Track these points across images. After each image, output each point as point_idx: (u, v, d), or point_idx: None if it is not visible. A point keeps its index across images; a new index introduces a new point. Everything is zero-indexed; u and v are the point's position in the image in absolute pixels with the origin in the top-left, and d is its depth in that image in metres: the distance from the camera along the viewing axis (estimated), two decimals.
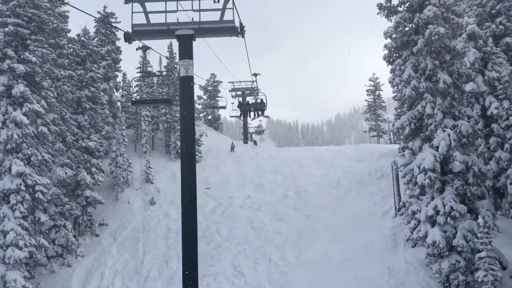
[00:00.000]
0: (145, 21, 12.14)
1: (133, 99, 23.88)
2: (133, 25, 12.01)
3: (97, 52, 37.30)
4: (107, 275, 26.89)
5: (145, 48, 12.56)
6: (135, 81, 49.43)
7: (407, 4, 19.18)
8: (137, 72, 43.41)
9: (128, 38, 12.12)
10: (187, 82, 12.20)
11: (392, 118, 58.11)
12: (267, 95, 40.93)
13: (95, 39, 41.71)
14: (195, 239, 11.57)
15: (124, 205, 35.00)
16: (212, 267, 24.80)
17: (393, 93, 42.34)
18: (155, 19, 12.17)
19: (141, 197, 36.00)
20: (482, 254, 14.65)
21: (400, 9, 19.50)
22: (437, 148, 17.36)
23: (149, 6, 12.19)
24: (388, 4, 19.39)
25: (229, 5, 12.06)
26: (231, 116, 53.51)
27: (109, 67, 40.87)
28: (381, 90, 61.03)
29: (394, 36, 18.99)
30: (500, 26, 22.99)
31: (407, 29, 19.13)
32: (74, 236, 29.61)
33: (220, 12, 12.18)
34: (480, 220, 14.08)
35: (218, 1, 12.14)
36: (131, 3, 12.06)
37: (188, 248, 11.55)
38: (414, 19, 18.43)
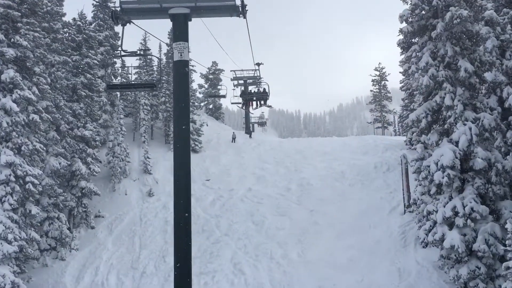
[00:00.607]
0: None
1: (110, 83, 19.20)
2: (121, 2, 10.70)
3: (94, 37, 35.86)
4: (101, 270, 25.83)
5: (125, 22, 11.16)
6: (133, 67, 48.10)
7: None
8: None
9: (116, 17, 10.80)
10: (182, 67, 10.90)
11: (398, 109, 56.71)
12: (270, 85, 39.46)
13: (93, 24, 40.37)
14: (188, 233, 10.62)
15: (121, 197, 33.88)
16: (211, 264, 23.67)
17: (401, 83, 40.95)
18: None
19: (139, 188, 34.89)
20: (510, 263, 13.21)
21: None
22: (456, 143, 15.93)
23: None
24: None
25: None
26: (232, 103, 52.15)
27: (107, 54, 39.55)
28: (387, 80, 59.63)
29: (410, 20, 17.49)
30: None
31: (424, 12, 17.60)
32: (69, 229, 28.52)
33: None
34: (508, 225, 12.74)
35: None
36: None
37: (181, 243, 10.51)
38: (433, 1, 16.89)
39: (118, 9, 10.73)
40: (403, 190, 24.67)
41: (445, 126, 16.80)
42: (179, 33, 10.82)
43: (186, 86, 11.03)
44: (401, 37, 18.33)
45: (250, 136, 49.64)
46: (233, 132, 48.67)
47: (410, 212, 23.74)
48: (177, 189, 10.62)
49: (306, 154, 40.56)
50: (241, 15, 10.99)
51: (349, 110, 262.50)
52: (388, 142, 42.25)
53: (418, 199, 19.76)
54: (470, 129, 15.55)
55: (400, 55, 41.97)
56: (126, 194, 33.99)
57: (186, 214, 10.94)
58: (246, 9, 10.90)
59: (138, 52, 12.34)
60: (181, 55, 10.77)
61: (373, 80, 59.37)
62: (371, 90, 60.38)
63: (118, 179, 34.69)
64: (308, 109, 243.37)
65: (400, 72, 41.55)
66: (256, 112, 58.45)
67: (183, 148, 11.07)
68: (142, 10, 10.84)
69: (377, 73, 59.30)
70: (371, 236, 23.02)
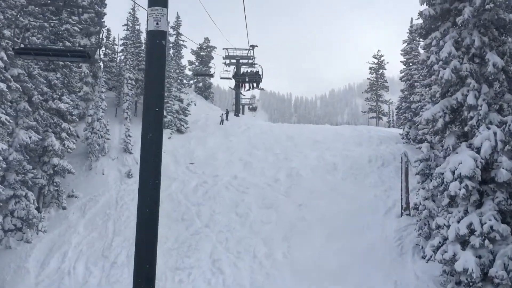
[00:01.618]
0: None
1: (19, 46, 11.54)
2: None
3: (76, 2, 33.00)
4: (69, 256, 23.77)
5: None
6: (121, 39, 45.23)
7: None
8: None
9: None
10: (157, 39, 8.57)
11: (394, 100, 54.88)
12: (263, 66, 37.57)
13: None
14: (155, 225, 8.43)
15: (98, 176, 31.66)
16: (188, 259, 21.73)
17: (401, 73, 38.95)
18: None
19: (117, 168, 32.67)
20: None
21: None
22: (477, 149, 13.92)
23: None
24: None
25: None
26: (222, 78, 49.83)
27: (91, 21, 36.74)
28: (385, 69, 57.61)
29: (432, 1, 15.20)
30: None
31: None
32: (37, 208, 26.31)
33: None
34: None
35: None
36: None
37: (145, 233, 8.18)
38: None
39: None
40: (401, 190, 22.80)
41: (465, 129, 14.74)
42: None
43: (161, 62, 8.74)
44: (420, 21, 16.09)
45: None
46: (222, 114, 46.22)
47: (407, 215, 21.93)
48: (144, 170, 8.32)
49: (297, 141, 38.67)
50: None
51: (341, 96, 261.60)
52: (383, 134, 40.59)
53: (420, 204, 17.91)
54: (495, 134, 13.49)
55: (402, 43, 40.06)
56: (103, 174, 31.78)
57: (154, 201, 8.56)
58: None
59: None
60: (157, 23, 8.42)
61: (370, 68, 57.28)
62: (368, 78, 58.38)
63: (95, 157, 32.43)
64: (300, 93, 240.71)
65: (401, 62, 39.63)
66: (247, 93, 56.15)
67: (154, 135, 8.82)
68: None
69: (375, 60, 57.21)
70: (364, 240, 21.16)
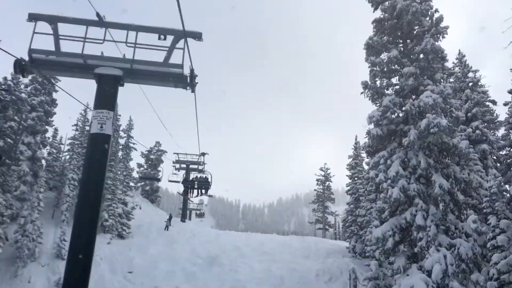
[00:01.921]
0: (53, 47, 8.29)
1: None
2: (31, 50, 8.11)
3: (25, 100, 32.48)
4: None
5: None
6: (69, 138, 44.27)
7: (396, 87, 16.44)
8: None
9: (22, 68, 8.11)
10: (101, 142, 8.16)
11: (339, 210, 55.71)
12: (212, 172, 37.75)
13: (29, 87, 37.08)
14: None
15: (23, 285, 28.53)
16: None
17: (347, 186, 39.98)
18: (68, 46, 8.37)
19: (47, 276, 29.74)
20: None
21: (387, 91, 16.73)
22: (429, 272, 13.67)
23: (63, 28, 8.42)
24: (374, 84, 16.59)
25: (180, 44, 8.52)
26: (170, 181, 49.13)
27: (39, 120, 35.96)
28: (331, 182, 59.20)
29: (380, 123, 15.92)
30: (477, 131, 20.84)
31: (394, 116, 16.18)
32: None
33: (165, 52, 8.59)
34: None
35: (165, 39, 8.60)
36: (34, 22, 8.26)
37: None
38: (405, 105, 15.59)
39: (26, 59, 8.11)
40: None
41: (415, 250, 14.62)
42: (104, 99, 8.25)
43: (102, 167, 8.22)
44: (368, 140, 16.66)
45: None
46: (167, 220, 44.54)
47: None
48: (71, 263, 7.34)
49: (244, 251, 37.48)
50: (188, 88, 8.65)
51: (288, 205, 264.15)
52: (330, 246, 40.43)
53: None
54: (445, 257, 13.42)
55: (348, 158, 41.71)
56: (29, 282, 28.71)
57: None
58: (196, 81, 8.61)
59: None
60: (101, 126, 8.09)
61: (317, 180, 58.72)
62: (314, 190, 59.50)
63: (23, 262, 29.51)
64: (248, 200, 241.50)
65: (347, 175, 40.83)
66: (195, 198, 55.33)
67: (85, 243, 8.07)
68: (59, 65, 8.27)
69: (322, 173, 58.91)
70: None
